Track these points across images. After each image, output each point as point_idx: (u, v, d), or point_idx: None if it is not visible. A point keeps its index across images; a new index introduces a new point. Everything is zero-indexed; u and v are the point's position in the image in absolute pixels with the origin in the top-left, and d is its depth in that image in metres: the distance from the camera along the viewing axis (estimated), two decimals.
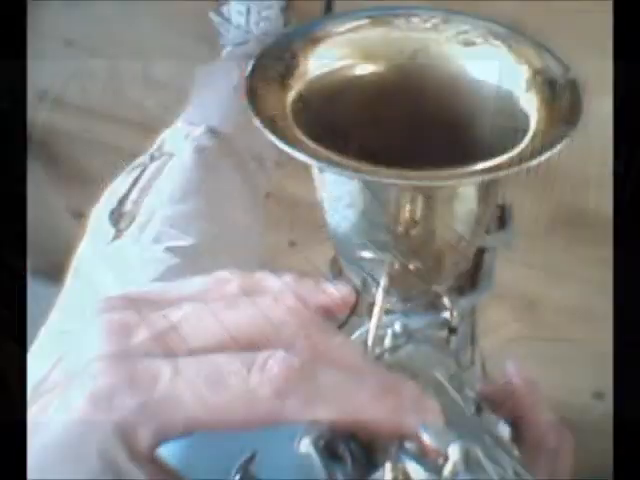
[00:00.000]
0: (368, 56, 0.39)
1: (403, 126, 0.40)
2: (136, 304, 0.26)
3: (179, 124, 0.93)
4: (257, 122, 0.34)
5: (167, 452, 0.24)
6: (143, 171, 0.80)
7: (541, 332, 1.41)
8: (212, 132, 0.89)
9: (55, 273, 0.80)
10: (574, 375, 1.39)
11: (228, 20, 1.26)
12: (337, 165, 0.33)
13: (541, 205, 1.35)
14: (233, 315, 0.25)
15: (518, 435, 0.37)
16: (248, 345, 0.24)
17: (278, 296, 0.26)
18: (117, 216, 0.74)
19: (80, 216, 1.12)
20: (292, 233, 1.39)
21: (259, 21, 1.24)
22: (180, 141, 0.87)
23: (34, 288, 1.33)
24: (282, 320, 0.25)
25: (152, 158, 0.83)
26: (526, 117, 0.36)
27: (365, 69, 0.40)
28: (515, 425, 0.37)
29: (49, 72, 1.42)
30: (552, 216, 1.36)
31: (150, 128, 1.13)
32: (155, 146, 0.87)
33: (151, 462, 0.23)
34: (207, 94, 1.05)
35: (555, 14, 1.23)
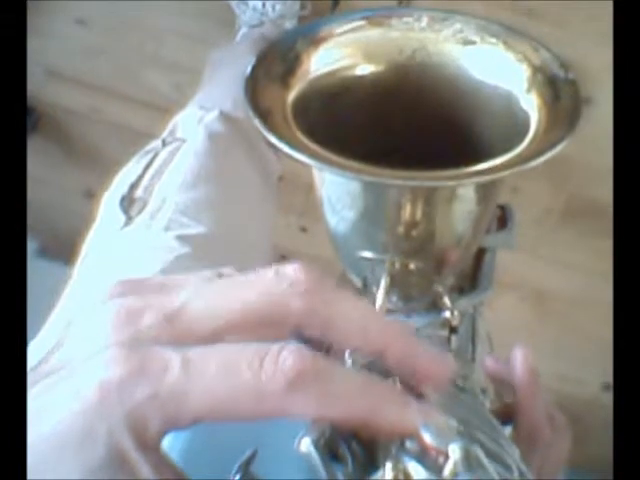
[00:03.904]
0: (368, 56, 0.39)
1: (403, 126, 0.40)
2: (139, 289, 0.26)
3: (192, 108, 0.93)
4: (256, 121, 0.34)
5: (168, 451, 0.24)
6: (155, 157, 0.79)
7: (550, 323, 1.41)
8: (225, 117, 0.88)
9: (67, 253, 0.80)
10: (583, 367, 1.39)
11: (244, 1, 1.26)
12: (337, 166, 0.33)
13: (554, 196, 1.36)
14: (238, 293, 0.25)
15: (514, 422, 0.37)
16: (257, 322, 0.24)
17: (280, 269, 0.25)
18: (128, 203, 0.72)
19: (92, 196, 1.12)
20: (303, 218, 1.40)
21: (275, 3, 1.24)
22: (193, 126, 0.86)
23: (45, 267, 1.35)
24: (288, 291, 0.25)
25: (164, 143, 0.81)
26: (526, 117, 0.36)
27: (365, 69, 0.40)
28: (512, 412, 0.37)
29: (61, 51, 1.42)
30: (565, 208, 1.36)
31: (163, 109, 1.12)
32: (167, 131, 0.86)
33: (156, 452, 0.23)
34: (220, 78, 1.05)
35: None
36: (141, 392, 0.22)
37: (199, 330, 0.24)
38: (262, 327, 0.24)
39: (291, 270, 0.25)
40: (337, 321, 0.25)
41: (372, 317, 0.26)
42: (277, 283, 0.25)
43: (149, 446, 0.22)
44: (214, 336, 0.24)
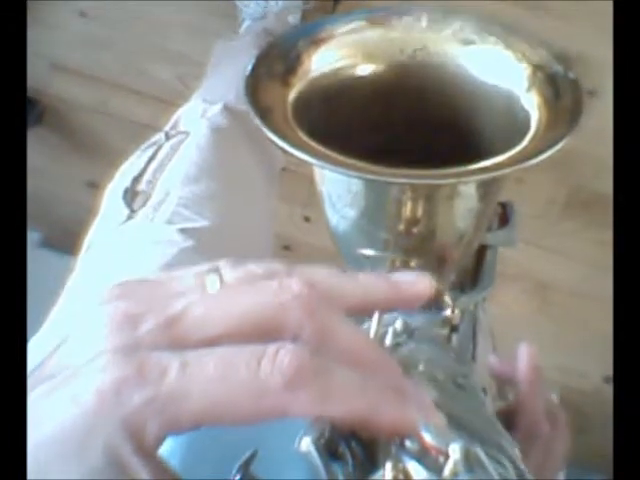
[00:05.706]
0: (369, 56, 0.39)
1: (404, 125, 0.40)
2: (139, 292, 0.26)
3: (195, 101, 0.92)
4: (257, 120, 0.34)
5: (167, 452, 0.24)
6: (158, 150, 0.78)
7: (552, 314, 1.41)
8: (228, 110, 0.88)
9: (70, 243, 0.80)
10: (585, 359, 1.39)
11: None
12: (338, 164, 0.33)
13: (557, 188, 1.35)
14: (239, 301, 0.25)
15: (513, 420, 0.37)
16: (255, 332, 0.24)
17: (284, 281, 0.25)
18: (131, 196, 0.72)
19: (96, 187, 1.12)
20: (307, 208, 1.40)
21: None
22: (196, 119, 0.86)
23: (48, 257, 1.36)
24: (289, 305, 0.25)
25: (167, 136, 0.81)
26: (527, 115, 0.36)
27: (366, 69, 0.40)
28: (512, 409, 0.37)
29: (65, 43, 1.42)
30: (568, 199, 1.36)
31: (167, 101, 1.12)
32: (170, 124, 0.85)
33: (154, 457, 0.23)
34: (224, 71, 1.05)
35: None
36: (139, 396, 0.22)
37: (197, 335, 0.24)
38: (259, 334, 0.24)
39: (295, 283, 0.25)
40: (335, 340, 0.25)
41: (370, 345, 0.26)
42: (280, 293, 0.25)
43: (147, 450, 0.22)
44: (211, 342, 0.24)
